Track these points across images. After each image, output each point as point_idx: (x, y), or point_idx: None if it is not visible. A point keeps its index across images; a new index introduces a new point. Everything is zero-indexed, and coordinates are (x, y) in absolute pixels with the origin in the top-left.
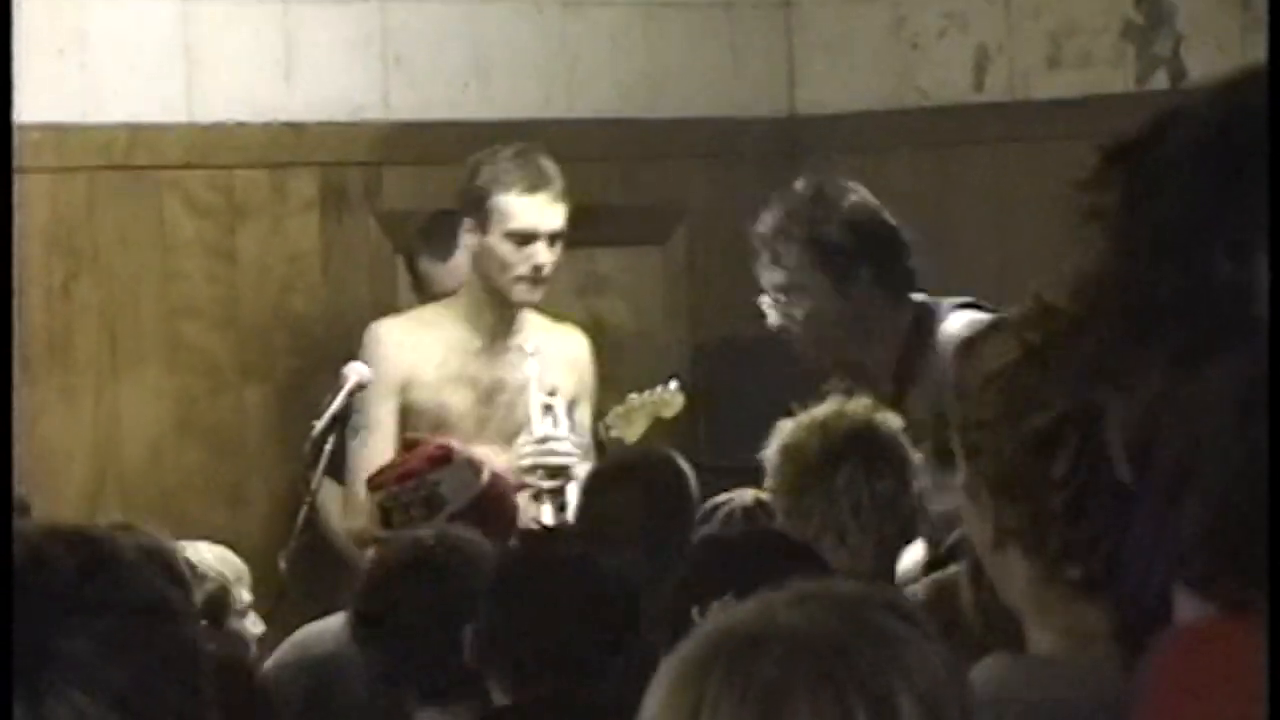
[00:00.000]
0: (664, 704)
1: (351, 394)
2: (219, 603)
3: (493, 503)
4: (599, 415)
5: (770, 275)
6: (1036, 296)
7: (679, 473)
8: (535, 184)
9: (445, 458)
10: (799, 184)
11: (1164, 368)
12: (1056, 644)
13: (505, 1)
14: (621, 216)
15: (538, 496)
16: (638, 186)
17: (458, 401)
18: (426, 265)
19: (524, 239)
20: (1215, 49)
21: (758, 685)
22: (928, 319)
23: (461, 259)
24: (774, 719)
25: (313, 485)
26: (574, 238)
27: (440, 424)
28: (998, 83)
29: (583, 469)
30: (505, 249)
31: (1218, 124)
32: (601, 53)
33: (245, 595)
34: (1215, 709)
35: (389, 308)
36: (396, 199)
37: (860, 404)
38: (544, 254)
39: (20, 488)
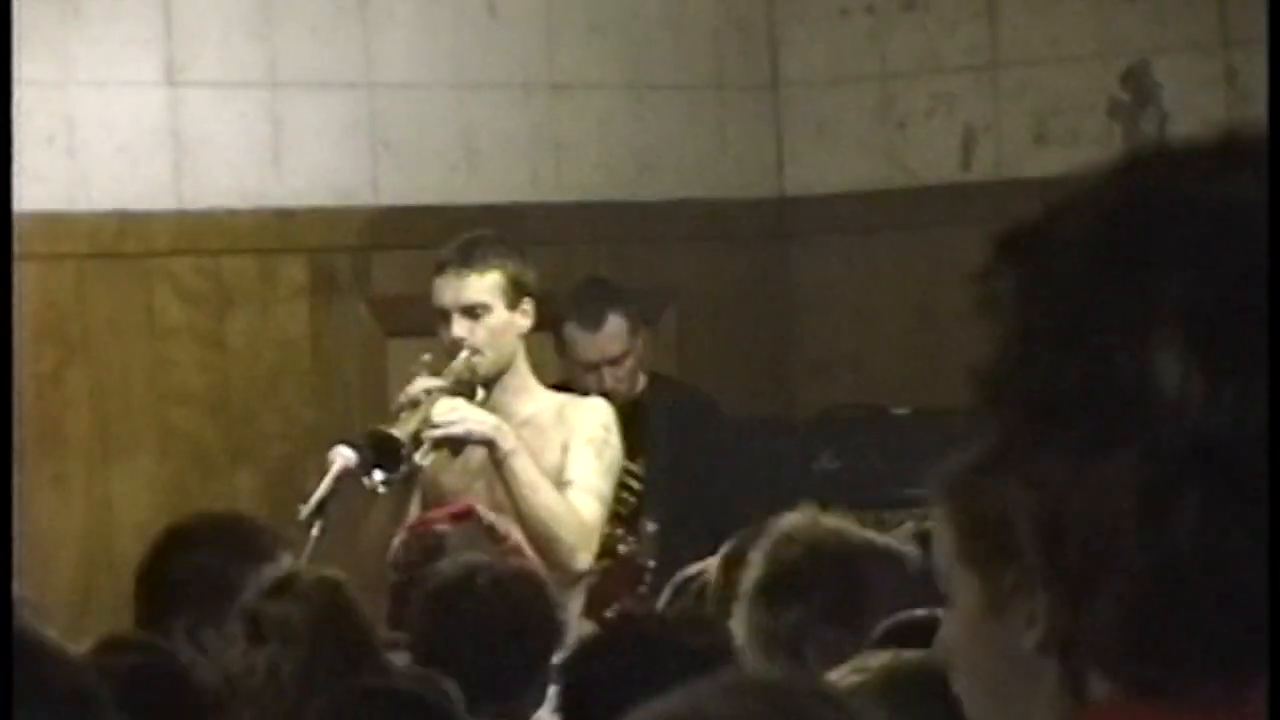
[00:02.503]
0: None
1: (338, 478)
2: None
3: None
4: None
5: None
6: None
7: None
8: (440, 265)
9: (465, 514)
10: None
11: (1068, 460)
12: None
13: (493, 87)
14: None
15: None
16: (627, 268)
17: (450, 478)
18: (573, 332)
19: (443, 316)
20: (1201, 125)
21: None
22: None
23: (612, 328)
24: None
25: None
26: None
27: (437, 495)
28: (985, 161)
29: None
30: (441, 328)
31: (1114, 209)
32: (589, 136)
33: None
34: None
35: (378, 392)
36: (386, 283)
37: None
38: (459, 327)
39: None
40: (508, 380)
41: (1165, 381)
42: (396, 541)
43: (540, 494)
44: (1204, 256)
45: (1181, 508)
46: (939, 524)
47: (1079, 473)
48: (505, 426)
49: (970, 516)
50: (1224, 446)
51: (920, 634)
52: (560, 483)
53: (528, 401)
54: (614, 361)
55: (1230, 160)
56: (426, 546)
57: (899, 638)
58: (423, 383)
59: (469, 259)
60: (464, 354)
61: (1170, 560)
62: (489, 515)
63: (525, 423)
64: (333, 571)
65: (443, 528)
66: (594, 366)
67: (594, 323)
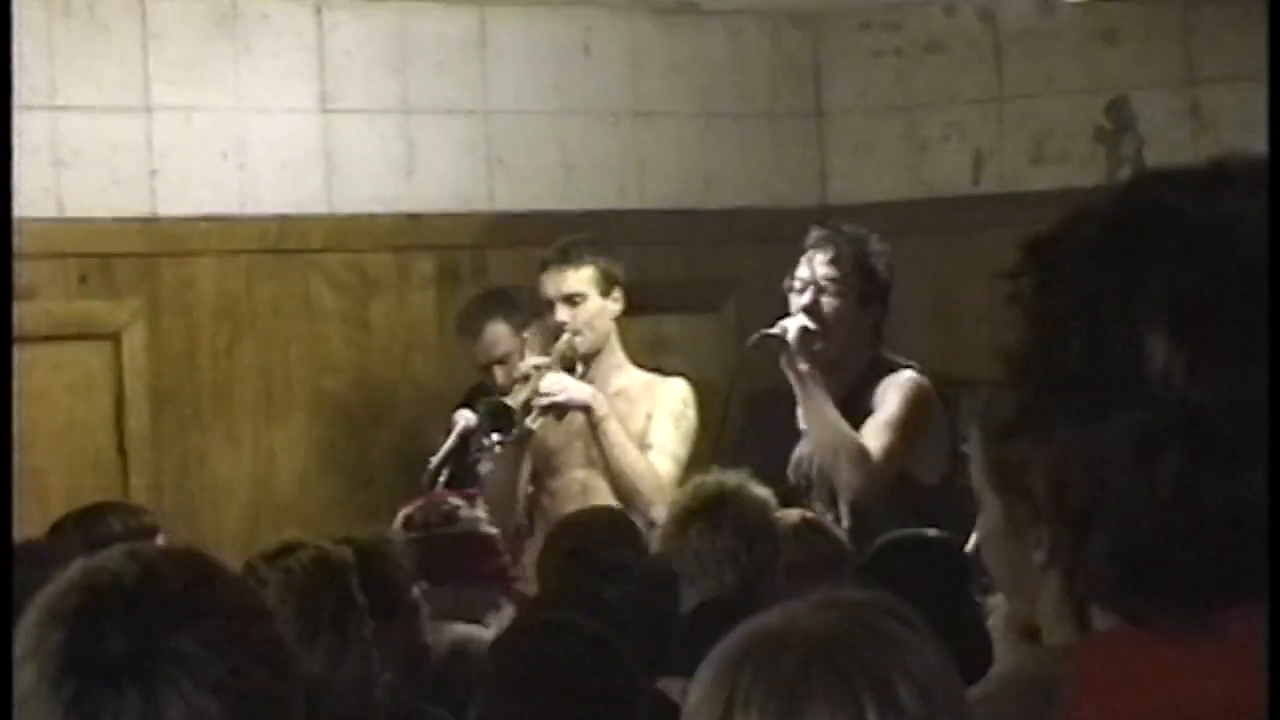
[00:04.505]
0: (702, 696)
1: (461, 435)
2: None
3: (481, 546)
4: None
5: (822, 269)
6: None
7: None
8: (544, 263)
9: (471, 497)
10: (849, 227)
11: (1071, 424)
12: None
13: (587, 114)
14: (683, 289)
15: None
16: (697, 265)
17: (556, 438)
18: (465, 342)
19: (548, 304)
20: (1169, 149)
21: (782, 679)
22: (880, 368)
23: (488, 337)
24: (795, 707)
25: None
26: (643, 306)
27: (544, 453)
28: (991, 178)
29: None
30: (547, 314)
31: (1115, 220)
32: (666, 155)
33: None
34: (1123, 708)
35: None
36: (500, 276)
37: (730, 477)
38: (561, 313)
39: (148, 516)
40: (603, 358)
41: (1153, 360)
42: (413, 507)
43: (627, 454)
44: (1189, 258)
45: (1165, 464)
46: (975, 455)
47: (1081, 435)
48: (601, 396)
49: (999, 460)
50: (1202, 414)
51: None
52: (643, 445)
53: (620, 376)
54: (501, 361)
55: (1214, 182)
56: (444, 513)
57: None
58: (532, 360)
59: (567, 256)
60: (566, 335)
61: (1153, 507)
62: (486, 506)
63: (617, 394)
64: (333, 547)
65: (455, 501)
66: (487, 368)
67: (473, 333)
